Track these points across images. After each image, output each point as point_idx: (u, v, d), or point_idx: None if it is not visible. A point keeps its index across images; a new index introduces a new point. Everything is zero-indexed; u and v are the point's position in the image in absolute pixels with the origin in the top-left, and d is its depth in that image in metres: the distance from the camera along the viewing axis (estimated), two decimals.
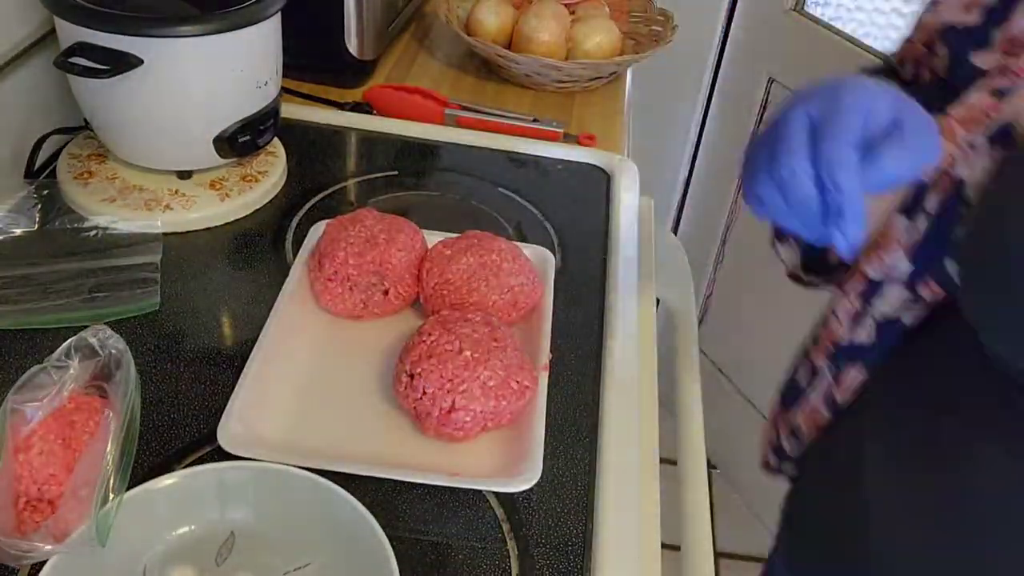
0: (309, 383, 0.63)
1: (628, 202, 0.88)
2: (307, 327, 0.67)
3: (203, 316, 0.68)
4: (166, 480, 0.50)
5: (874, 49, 1.38)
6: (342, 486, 0.50)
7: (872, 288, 0.56)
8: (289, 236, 0.77)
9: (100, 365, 0.53)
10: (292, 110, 0.93)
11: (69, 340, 0.53)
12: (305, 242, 0.72)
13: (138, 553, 0.49)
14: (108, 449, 0.48)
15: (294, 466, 0.52)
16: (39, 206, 0.74)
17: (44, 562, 0.45)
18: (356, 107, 0.99)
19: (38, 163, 0.79)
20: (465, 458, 0.59)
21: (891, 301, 0.55)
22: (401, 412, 0.61)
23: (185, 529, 0.51)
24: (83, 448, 0.49)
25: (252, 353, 0.61)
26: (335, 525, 0.50)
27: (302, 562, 0.50)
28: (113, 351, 0.54)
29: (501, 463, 0.58)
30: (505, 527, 0.56)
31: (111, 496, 0.47)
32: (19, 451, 0.48)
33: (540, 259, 0.74)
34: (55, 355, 0.53)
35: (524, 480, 0.56)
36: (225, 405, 0.57)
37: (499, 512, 0.56)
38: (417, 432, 0.60)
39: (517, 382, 0.59)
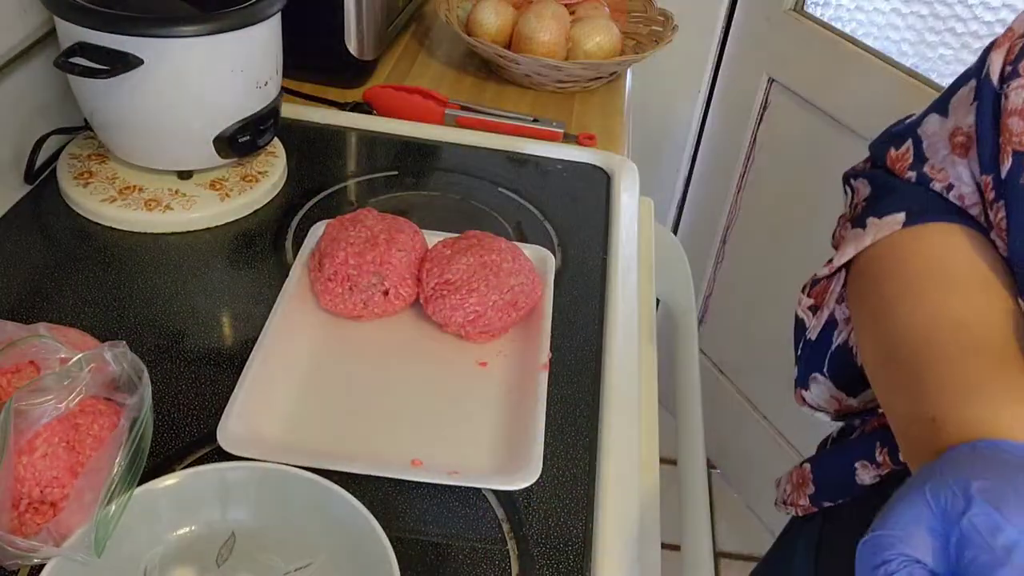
0: (309, 383, 0.63)
1: (628, 202, 0.88)
2: (307, 327, 0.67)
3: (203, 316, 0.68)
4: (167, 480, 0.50)
5: (874, 49, 1.38)
6: (342, 486, 0.50)
7: None
8: (289, 236, 0.77)
9: (111, 378, 0.53)
10: (292, 110, 0.93)
11: (83, 352, 0.52)
12: (305, 242, 0.73)
13: (138, 554, 0.49)
14: (117, 460, 0.48)
15: (294, 466, 0.52)
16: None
17: (42, 565, 0.45)
18: (356, 107, 0.99)
19: (38, 163, 0.79)
20: (465, 457, 0.59)
21: None
22: (400, 412, 0.61)
23: (186, 530, 0.51)
24: (87, 451, 0.49)
25: (252, 353, 0.61)
26: (335, 525, 0.50)
27: (303, 562, 0.50)
28: (127, 368, 0.52)
29: (501, 461, 0.58)
30: (505, 527, 0.56)
31: (112, 507, 0.47)
32: (23, 453, 0.48)
33: (540, 259, 0.74)
34: (67, 364, 0.52)
35: (524, 478, 0.56)
36: (225, 405, 0.57)
37: (499, 512, 0.56)
38: (417, 431, 0.60)
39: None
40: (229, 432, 0.56)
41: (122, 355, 0.52)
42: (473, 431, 0.61)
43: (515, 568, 0.53)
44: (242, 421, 0.57)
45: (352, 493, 0.50)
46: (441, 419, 0.61)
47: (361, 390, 0.63)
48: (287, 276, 0.69)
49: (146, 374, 0.52)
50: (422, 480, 0.56)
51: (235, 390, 0.59)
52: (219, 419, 0.56)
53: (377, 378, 0.64)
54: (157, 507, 0.50)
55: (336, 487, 0.50)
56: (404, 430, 0.60)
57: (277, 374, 0.62)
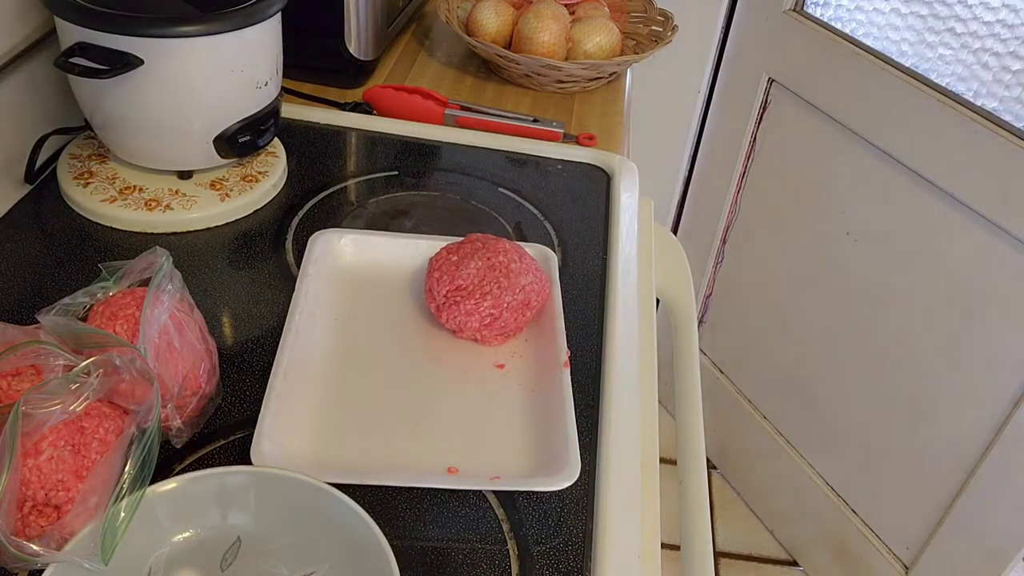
0: (332, 398, 0.61)
1: (628, 202, 0.88)
2: (322, 342, 0.65)
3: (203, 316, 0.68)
4: (165, 485, 0.50)
5: (874, 49, 1.38)
6: (340, 489, 0.50)
7: None
8: (289, 236, 0.77)
9: (118, 383, 0.52)
10: (292, 110, 0.93)
11: (92, 357, 0.52)
12: (306, 255, 0.72)
13: (141, 558, 0.49)
14: (127, 468, 0.48)
15: (331, 484, 0.50)
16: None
17: (42, 569, 0.45)
18: (356, 107, 0.99)
19: (38, 163, 0.79)
20: (501, 461, 0.58)
21: None
22: (426, 421, 0.61)
23: (188, 533, 0.51)
24: (92, 455, 0.49)
25: (272, 371, 0.60)
26: (335, 530, 0.50)
27: (308, 569, 0.50)
28: (136, 374, 0.52)
29: (538, 463, 0.58)
30: (505, 527, 0.56)
31: (121, 514, 0.47)
32: (28, 456, 0.47)
33: (543, 257, 0.74)
34: (75, 369, 0.51)
35: (566, 477, 0.55)
36: (224, 405, 0.57)
37: (499, 512, 0.56)
38: (447, 439, 0.59)
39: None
40: (263, 454, 0.54)
41: (131, 361, 0.51)
42: (503, 434, 0.61)
43: (515, 568, 0.53)
44: (273, 442, 0.56)
45: (351, 495, 0.50)
46: (469, 425, 0.61)
47: (384, 402, 0.62)
48: (287, 276, 0.69)
49: (156, 382, 0.51)
50: (464, 488, 0.56)
51: (261, 410, 0.57)
52: (217, 419, 0.56)
53: (399, 389, 0.63)
54: (156, 512, 0.49)
55: (334, 490, 0.50)
56: (434, 439, 0.60)
57: (299, 392, 0.60)
